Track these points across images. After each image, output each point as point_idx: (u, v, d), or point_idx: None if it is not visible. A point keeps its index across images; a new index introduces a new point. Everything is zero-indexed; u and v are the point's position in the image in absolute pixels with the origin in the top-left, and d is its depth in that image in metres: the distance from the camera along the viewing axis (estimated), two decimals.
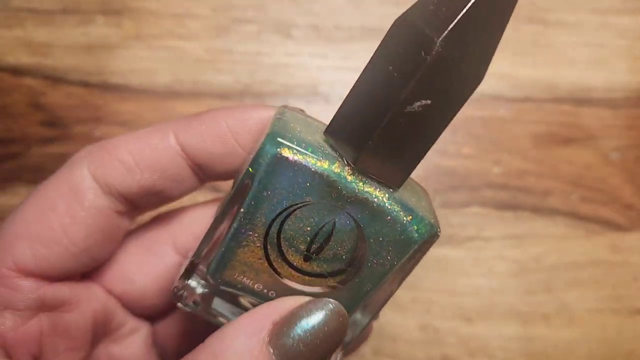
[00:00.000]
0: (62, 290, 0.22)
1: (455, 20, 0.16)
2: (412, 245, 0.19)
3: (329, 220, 0.19)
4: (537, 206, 0.33)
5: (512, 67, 0.34)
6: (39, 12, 0.34)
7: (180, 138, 0.21)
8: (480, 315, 0.32)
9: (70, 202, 0.21)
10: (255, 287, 0.20)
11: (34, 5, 0.34)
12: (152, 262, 0.24)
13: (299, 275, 0.20)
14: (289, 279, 0.20)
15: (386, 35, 0.17)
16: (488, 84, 0.33)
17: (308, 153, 0.18)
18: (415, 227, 0.19)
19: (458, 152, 0.33)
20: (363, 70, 0.18)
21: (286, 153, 0.18)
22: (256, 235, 0.19)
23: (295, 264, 0.20)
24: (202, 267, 0.20)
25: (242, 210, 0.19)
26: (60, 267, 0.21)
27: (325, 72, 0.34)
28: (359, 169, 0.18)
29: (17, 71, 0.33)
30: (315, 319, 0.18)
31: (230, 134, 0.21)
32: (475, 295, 0.32)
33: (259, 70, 0.33)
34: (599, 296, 0.33)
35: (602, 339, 0.33)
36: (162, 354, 0.26)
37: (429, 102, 0.17)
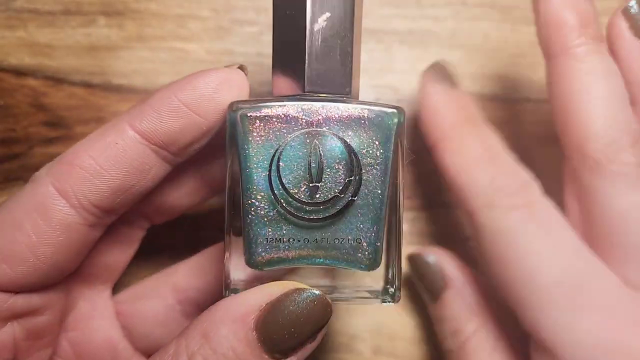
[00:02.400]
0: (33, 298, 0.22)
1: None
2: (391, 131, 0.21)
3: (313, 146, 0.20)
4: None
5: (511, 67, 0.34)
6: (41, 13, 0.34)
7: (137, 126, 0.21)
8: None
9: (36, 221, 0.20)
10: (288, 251, 0.21)
11: (36, 6, 0.34)
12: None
13: (317, 208, 0.21)
14: (310, 219, 0.21)
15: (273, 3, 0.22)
16: (487, 85, 0.34)
17: (266, 104, 0.20)
18: (386, 116, 0.21)
19: None
20: (273, 30, 0.22)
21: (249, 112, 0.20)
22: (264, 198, 0.20)
23: (309, 201, 0.21)
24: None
25: (242, 187, 0.20)
26: (28, 283, 0.21)
27: None
28: (312, 94, 0.21)
29: (19, 72, 0.33)
30: (299, 307, 0.19)
31: (183, 106, 0.21)
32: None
33: (260, 72, 0.34)
34: None
35: None
36: (128, 330, 0.26)
37: (328, 14, 0.21)
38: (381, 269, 0.22)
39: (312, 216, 0.21)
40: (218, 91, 0.21)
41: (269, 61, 0.34)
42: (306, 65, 0.21)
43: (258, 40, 0.34)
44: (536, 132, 0.34)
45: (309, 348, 0.20)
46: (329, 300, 0.20)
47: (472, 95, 0.34)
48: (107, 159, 0.21)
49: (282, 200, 0.20)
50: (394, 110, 0.21)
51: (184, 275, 0.27)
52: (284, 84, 0.22)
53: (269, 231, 0.21)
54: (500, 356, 0.25)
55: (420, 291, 0.30)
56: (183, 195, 0.26)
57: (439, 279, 0.27)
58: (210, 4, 0.34)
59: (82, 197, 0.21)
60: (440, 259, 0.28)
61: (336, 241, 0.21)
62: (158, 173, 0.22)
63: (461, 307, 0.26)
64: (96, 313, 0.25)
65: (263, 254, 0.21)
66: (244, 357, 0.18)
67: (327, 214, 0.21)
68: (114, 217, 0.23)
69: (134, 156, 0.21)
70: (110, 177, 0.21)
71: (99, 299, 0.25)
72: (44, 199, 0.21)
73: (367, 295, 0.22)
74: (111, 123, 0.22)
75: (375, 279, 0.22)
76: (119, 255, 0.26)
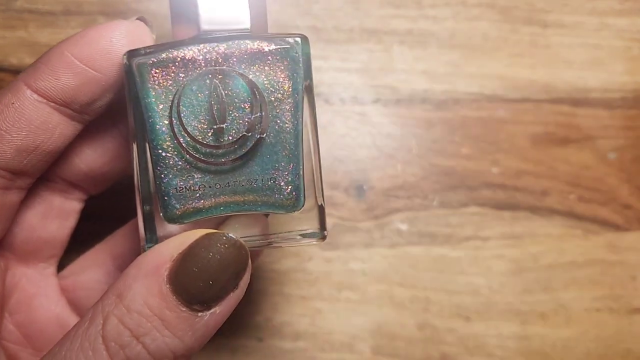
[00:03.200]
0: None
1: None
2: (298, 62, 0.20)
3: (213, 86, 0.19)
4: (535, 206, 0.34)
5: (510, 68, 0.34)
6: (42, 13, 0.34)
7: (33, 85, 0.20)
8: (478, 314, 0.33)
9: None
10: (203, 200, 0.20)
11: (37, 7, 0.34)
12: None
13: (225, 150, 0.20)
14: (219, 163, 0.20)
15: None
16: (486, 85, 0.34)
17: (162, 50, 0.19)
18: (290, 47, 0.20)
19: (456, 153, 0.33)
20: None
21: (143, 60, 0.19)
22: (170, 148, 0.19)
23: (215, 144, 0.20)
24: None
25: (147, 139, 0.19)
26: None
27: (325, 73, 0.34)
28: (207, 34, 0.20)
29: (19, 72, 0.33)
30: (211, 252, 0.18)
31: (78, 62, 0.20)
32: (473, 295, 0.33)
33: None
34: (596, 296, 0.33)
35: (600, 338, 0.33)
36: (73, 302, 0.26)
37: None
38: (312, 211, 0.21)
39: (222, 159, 0.19)
40: (114, 44, 0.20)
41: None
42: (198, 3, 0.20)
43: None
44: (536, 132, 0.34)
45: (234, 298, 0.19)
46: (242, 242, 0.19)
47: (472, 95, 0.34)
48: (5, 120, 0.20)
49: (188, 148, 0.19)
50: (298, 39, 0.20)
51: (121, 241, 0.26)
52: (182, 30, 0.21)
53: (180, 181, 0.19)
54: None
55: None
56: (109, 160, 0.25)
57: None
58: None
59: None
60: None
61: (252, 184, 0.20)
62: (65, 131, 0.21)
63: None
64: (40, 291, 0.25)
65: (177, 205, 0.20)
66: (160, 312, 0.18)
67: (236, 156, 0.19)
68: (29, 180, 0.22)
69: (33, 115, 0.20)
70: (10, 138, 0.20)
71: (41, 277, 0.25)
72: None
73: (299, 236, 0.21)
74: (8, 85, 0.21)
75: (305, 220, 0.21)
76: (56, 229, 0.25)
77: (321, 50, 0.34)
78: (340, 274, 0.33)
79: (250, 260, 0.19)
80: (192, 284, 0.18)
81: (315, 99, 0.35)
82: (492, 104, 0.34)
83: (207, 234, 0.19)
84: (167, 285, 0.18)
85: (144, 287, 0.18)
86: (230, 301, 0.19)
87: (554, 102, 0.34)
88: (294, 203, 0.20)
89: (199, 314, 0.18)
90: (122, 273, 0.19)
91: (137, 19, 0.21)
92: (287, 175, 0.20)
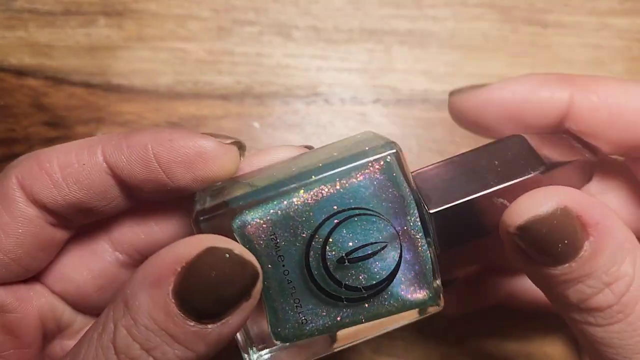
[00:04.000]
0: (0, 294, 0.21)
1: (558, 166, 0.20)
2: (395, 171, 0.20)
3: (381, 242, 0.19)
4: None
5: (511, 67, 0.34)
6: (41, 13, 0.34)
7: (107, 156, 0.20)
8: (478, 314, 0.33)
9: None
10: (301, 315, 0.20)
11: (36, 7, 0.34)
12: (90, 259, 0.23)
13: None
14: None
15: (500, 140, 0.22)
16: None
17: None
18: (383, 160, 0.20)
19: (457, 153, 0.33)
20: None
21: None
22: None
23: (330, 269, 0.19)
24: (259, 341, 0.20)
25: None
26: None
27: (325, 73, 0.34)
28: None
29: (19, 72, 0.33)
30: (214, 269, 0.17)
31: (154, 160, 0.20)
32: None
33: (260, 71, 0.34)
34: None
35: None
36: None
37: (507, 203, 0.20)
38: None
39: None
40: (195, 163, 0.20)
41: (269, 61, 0.34)
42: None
43: (258, 40, 0.34)
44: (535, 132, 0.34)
45: (248, 307, 0.18)
46: (248, 259, 0.18)
47: None
48: (71, 175, 0.20)
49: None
50: (387, 151, 0.19)
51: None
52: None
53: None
54: None
55: (527, 257, 0.20)
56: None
57: (578, 231, 0.19)
58: (210, 4, 0.34)
59: (39, 199, 0.20)
60: (570, 204, 0.19)
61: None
62: (119, 205, 0.21)
63: (613, 253, 0.19)
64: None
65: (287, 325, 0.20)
66: (167, 327, 0.17)
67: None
68: (76, 225, 0.22)
69: (97, 183, 0.20)
70: (68, 193, 0.20)
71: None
72: (7, 190, 0.20)
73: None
74: (91, 140, 0.21)
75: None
76: (86, 276, 0.24)
77: (321, 50, 0.34)
78: None
79: (260, 272, 0.18)
80: (197, 300, 0.17)
81: (316, 99, 0.35)
82: None
83: (209, 249, 0.17)
84: (172, 300, 0.17)
85: (149, 299, 0.17)
86: (243, 310, 0.18)
87: None
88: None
89: (209, 326, 0.17)
90: (129, 278, 0.18)
91: (234, 143, 0.21)
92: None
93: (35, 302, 0.22)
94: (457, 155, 0.21)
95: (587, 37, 0.34)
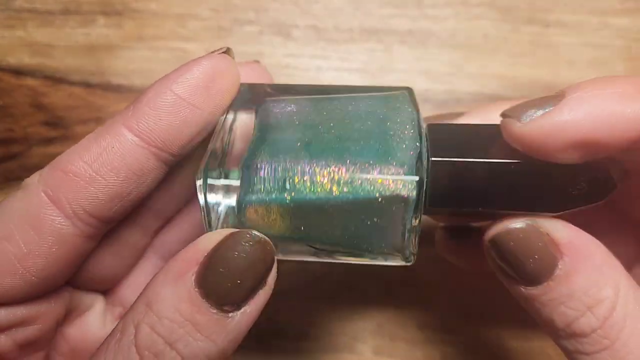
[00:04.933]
0: (19, 310, 0.21)
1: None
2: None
3: None
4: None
5: (511, 67, 0.34)
6: (40, 12, 0.34)
7: (135, 128, 0.20)
8: (480, 314, 0.33)
9: (27, 231, 0.19)
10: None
11: (35, 6, 0.34)
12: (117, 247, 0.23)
13: None
14: None
15: None
16: (487, 85, 0.34)
17: None
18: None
19: None
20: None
21: None
22: None
23: None
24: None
25: None
26: (15, 296, 0.20)
27: (325, 73, 0.34)
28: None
29: (18, 72, 0.33)
30: (238, 252, 0.18)
31: (180, 99, 0.20)
32: (475, 295, 0.33)
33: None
34: None
35: None
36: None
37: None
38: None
39: None
40: (213, 79, 0.20)
41: (269, 61, 0.34)
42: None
43: (258, 40, 0.34)
44: None
45: (263, 295, 0.19)
46: (267, 239, 0.19)
47: (473, 95, 0.34)
48: (103, 165, 0.19)
49: None
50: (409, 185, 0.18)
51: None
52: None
53: None
54: None
55: (508, 276, 0.21)
56: (174, 197, 0.24)
57: (549, 249, 0.19)
58: (210, 4, 0.34)
59: (76, 206, 0.19)
60: (539, 222, 0.20)
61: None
62: (158, 177, 0.21)
63: (590, 274, 0.19)
64: (92, 311, 0.25)
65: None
66: (191, 317, 0.17)
67: None
68: (110, 226, 0.22)
69: (132, 160, 0.20)
70: (107, 184, 0.20)
71: (97, 300, 0.25)
72: (36, 209, 0.19)
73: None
74: (105, 125, 0.20)
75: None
76: (121, 267, 0.25)
77: (321, 50, 0.34)
78: (340, 274, 0.33)
79: (275, 257, 0.19)
80: (220, 285, 0.18)
81: None
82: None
83: (231, 234, 0.18)
84: (196, 289, 0.18)
85: (173, 293, 0.18)
86: (259, 299, 0.19)
87: None
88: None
89: (230, 314, 0.18)
90: (151, 279, 0.19)
91: (225, 52, 0.22)
92: None
93: (54, 310, 0.22)
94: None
95: (587, 36, 0.34)
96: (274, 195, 0.19)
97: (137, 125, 0.20)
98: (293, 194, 0.19)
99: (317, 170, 0.18)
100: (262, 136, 0.20)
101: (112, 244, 0.23)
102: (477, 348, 0.32)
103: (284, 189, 0.19)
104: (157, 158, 0.20)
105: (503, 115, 0.19)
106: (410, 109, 0.20)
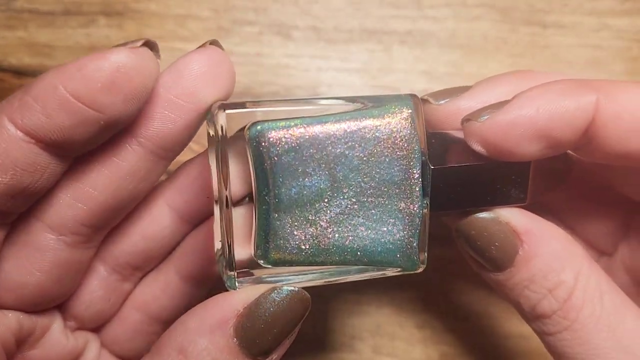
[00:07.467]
0: None
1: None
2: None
3: None
4: (536, 205, 0.34)
5: (510, 68, 0.34)
6: (41, 13, 0.34)
7: (19, 122, 0.17)
8: (478, 313, 0.33)
9: None
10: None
11: (36, 7, 0.34)
12: (36, 256, 0.21)
13: None
14: None
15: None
16: None
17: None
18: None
19: None
20: None
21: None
22: None
23: None
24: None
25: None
26: None
27: (325, 73, 0.34)
28: None
29: (19, 72, 0.33)
30: (279, 306, 0.19)
31: (74, 100, 0.17)
32: (473, 294, 0.33)
33: (260, 72, 0.34)
34: None
35: None
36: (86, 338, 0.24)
37: None
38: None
39: None
40: (116, 82, 0.17)
41: (269, 61, 0.34)
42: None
43: (258, 40, 0.34)
44: None
45: (288, 342, 0.19)
46: (307, 295, 0.19)
47: None
48: None
49: None
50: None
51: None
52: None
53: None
54: (614, 296, 0.20)
55: (478, 263, 0.22)
56: (165, 231, 0.23)
57: (509, 237, 0.20)
58: (210, 4, 0.34)
59: None
60: (499, 212, 0.21)
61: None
62: (56, 170, 0.19)
63: (548, 259, 0.20)
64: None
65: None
66: None
67: None
68: (12, 218, 0.20)
69: (19, 157, 0.18)
70: None
71: (54, 317, 0.24)
72: None
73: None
74: None
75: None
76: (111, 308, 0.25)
77: (321, 51, 0.34)
78: None
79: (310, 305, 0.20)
80: (258, 337, 0.18)
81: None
82: None
83: (273, 287, 0.19)
84: (235, 340, 0.18)
85: (211, 343, 0.18)
86: (285, 346, 0.19)
87: None
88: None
89: None
90: (176, 326, 0.19)
91: (144, 44, 0.19)
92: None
93: None
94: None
95: (586, 37, 0.34)
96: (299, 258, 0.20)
97: (22, 120, 0.17)
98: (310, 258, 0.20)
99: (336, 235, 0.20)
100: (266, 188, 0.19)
101: (58, 267, 0.21)
102: (476, 348, 0.33)
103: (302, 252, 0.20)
104: (51, 153, 0.18)
105: (463, 120, 0.21)
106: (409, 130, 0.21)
